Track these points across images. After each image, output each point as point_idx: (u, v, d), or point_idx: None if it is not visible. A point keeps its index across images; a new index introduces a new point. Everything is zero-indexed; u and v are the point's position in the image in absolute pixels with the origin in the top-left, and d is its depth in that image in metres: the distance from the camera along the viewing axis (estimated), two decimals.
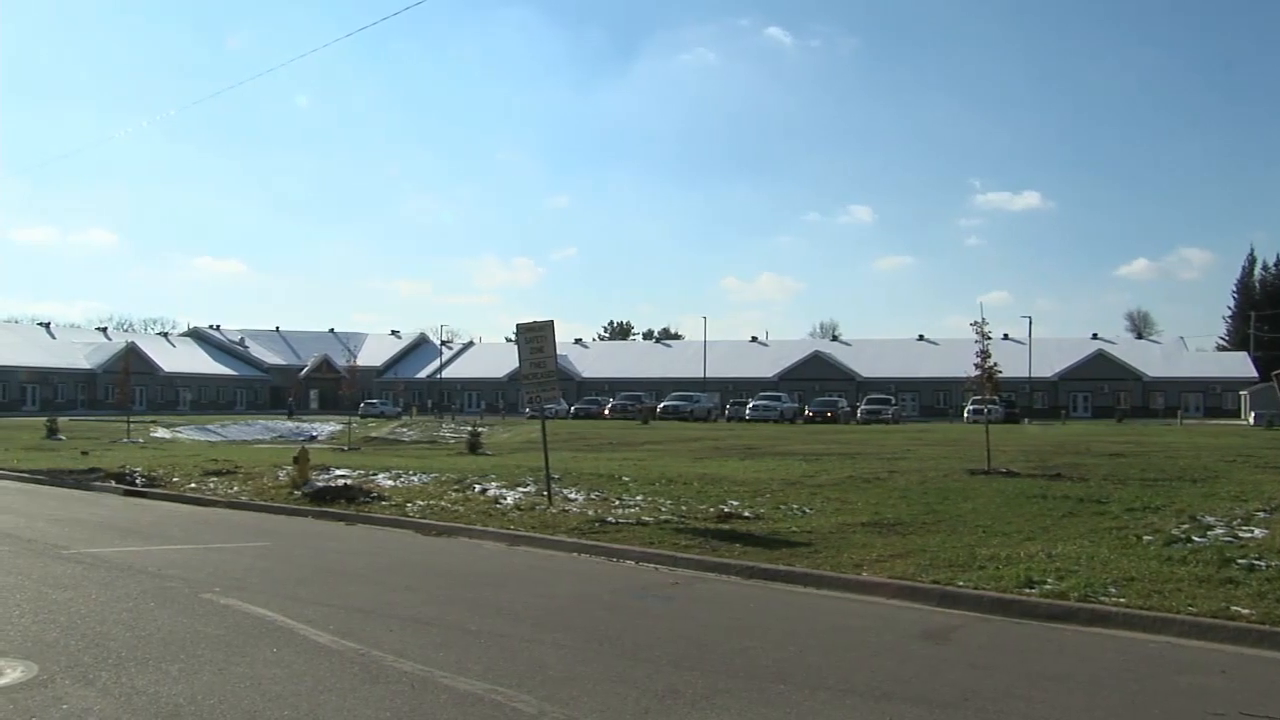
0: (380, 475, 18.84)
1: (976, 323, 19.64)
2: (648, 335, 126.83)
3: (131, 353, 78.50)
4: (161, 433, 43.45)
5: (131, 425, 40.69)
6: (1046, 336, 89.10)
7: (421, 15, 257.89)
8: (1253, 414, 61.17)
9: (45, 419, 42.58)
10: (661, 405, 65.62)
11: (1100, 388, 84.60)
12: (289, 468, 18.49)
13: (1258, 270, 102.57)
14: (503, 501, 14.88)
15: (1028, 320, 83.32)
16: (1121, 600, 7.93)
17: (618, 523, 12.57)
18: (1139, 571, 8.86)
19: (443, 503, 15.00)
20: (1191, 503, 13.68)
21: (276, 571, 9.82)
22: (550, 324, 15.66)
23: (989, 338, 19.82)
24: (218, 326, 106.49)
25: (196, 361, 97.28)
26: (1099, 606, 7.78)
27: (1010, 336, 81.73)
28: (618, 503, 14.54)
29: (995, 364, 19.91)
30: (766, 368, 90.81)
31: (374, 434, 45.89)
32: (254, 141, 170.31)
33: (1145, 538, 10.69)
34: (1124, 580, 8.53)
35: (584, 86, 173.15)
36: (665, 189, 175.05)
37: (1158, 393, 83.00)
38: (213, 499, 16.73)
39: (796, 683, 5.90)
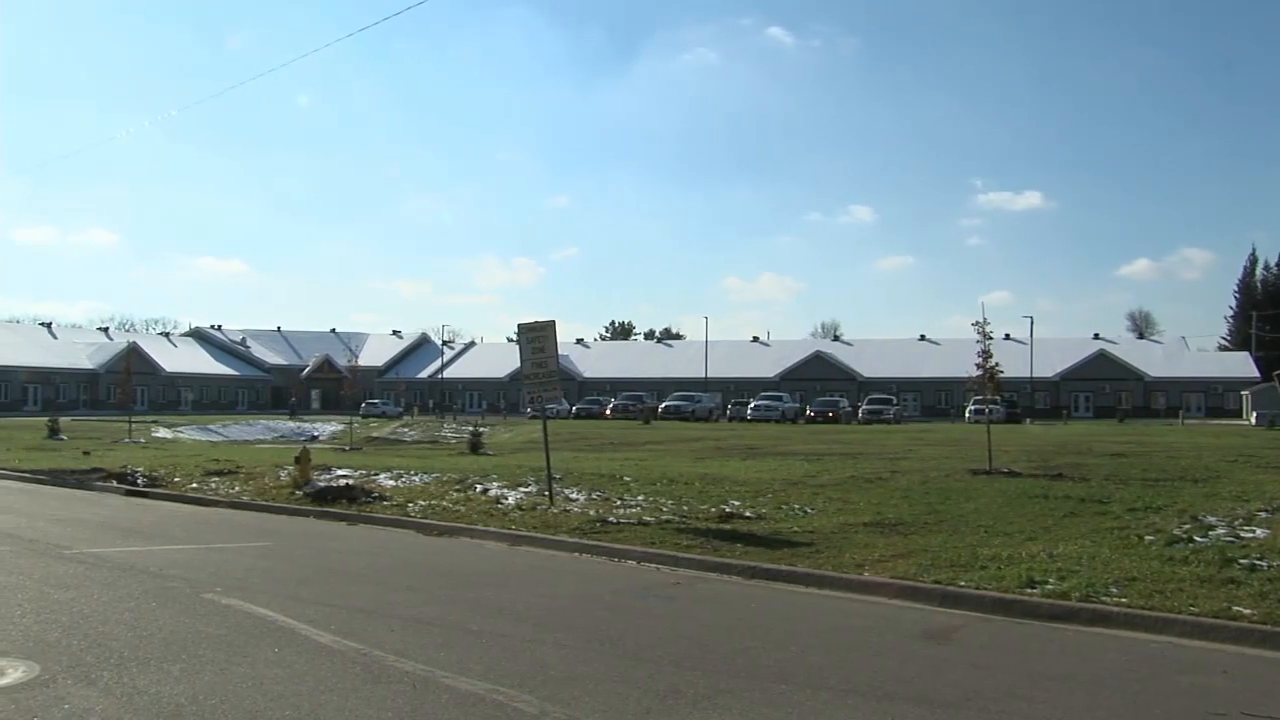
0: (382, 475, 18.84)
1: (978, 323, 19.63)
2: (649, 335, 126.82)
3: (133, 353, 78.56)
4: (163, 433, 43.49)
5: (133, 425, 40.71)
6: (1048, 336, 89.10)
7: (422, 15, 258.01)
8: (1254, 414, 61.14)
9: (47, 419, 42.61)
10: (663, 405, 65.61)
11: (1102, 388, 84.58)
12: (290, 468, 18.50)
13: (1259, 270, 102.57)
14: (504, 501, 14.89)
15: (1029, 320, 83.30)
16: (1123, 600, 7.92)
17: (619, 523, 12.57)
18: (1141, 571, 8.86)
19: (444, 503, 15.01)
20: (1193, 503, 13.67)
21: (278, 571, 9.82)
22: (552, 324, 15.66)
23: (990, 338, 19.80)
24: (219, 326, 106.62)
25: (198, 361, 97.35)
26: (1101, 606, 7.78)
27: (1012, 336, 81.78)
28: (619, 503, 14.54)
29: (997, 364, 19.89)
30: (768, 368, 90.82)
31: (375, 434, 45.91)
32: (255, 141, 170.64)
33: (1147, 538, 10.68)
34: (1126, 580, 8.53)
35: (585, 86, 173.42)
36: (666, 189, 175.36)
37: (1159, 393, 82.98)
38: (214, 499, 16.74)
39: (798, 683, 5.90)
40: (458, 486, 16.86)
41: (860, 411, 63.28)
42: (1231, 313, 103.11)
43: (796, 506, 13.93)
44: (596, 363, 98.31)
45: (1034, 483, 16.65)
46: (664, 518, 12.95)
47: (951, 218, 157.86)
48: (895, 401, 68.88)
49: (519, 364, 16.12)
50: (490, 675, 5.89)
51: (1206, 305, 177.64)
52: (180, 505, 16.56)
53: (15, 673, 5.81)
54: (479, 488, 16.57)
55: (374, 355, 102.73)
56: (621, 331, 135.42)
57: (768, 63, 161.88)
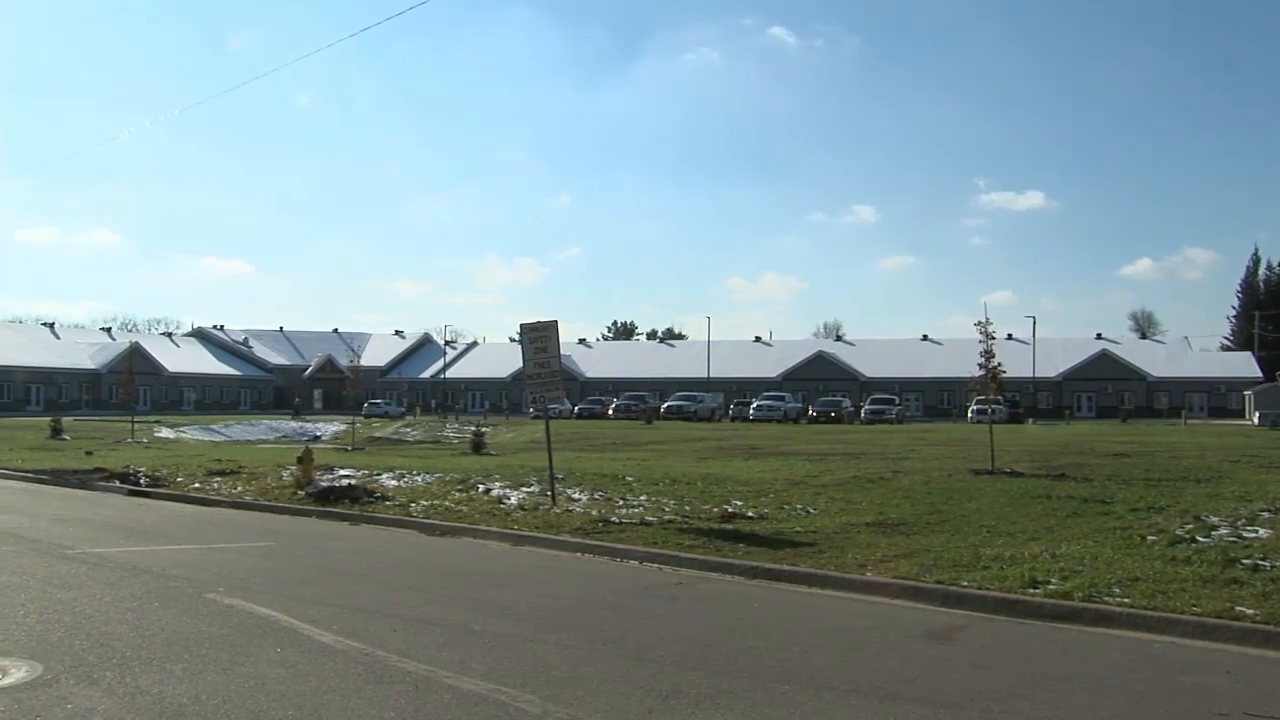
0: (384, 475, 18.85)
1: (980, 323, 19.63)
2: (651, 335, 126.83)
3: (135, 353, 78.62)
4: (165, 433, 43.54)
5: (136, 425, 40.75)
6: (1050, 336, 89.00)
7: (423, 15, 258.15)
8: (1257, 414, 61.13)
9: (49, 419, 42.69)
10: (665, 405, 65.65)
11: (1104, 388, 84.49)
12: (293, 468, 18.52)
13: (1262, 270, 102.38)
14: (506, 501, 14.89)
15: (1032, 320, 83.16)
16: (1126, 600, 7.91)
17: (621, 523, 12.57)
18: (1143, 572, 8.85)
19: (447, 503, 15.01)
20: (1196, 503, 13.65)
21: (280, 571, 9.83)
22: (554, 324, 15.66)
23: (993, 338, 19.79)
24: (221, 327, 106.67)
25: (200, 361, 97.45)
26: (1103, 607, 7.77)
27: (1014, 336, 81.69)
28: (621, 503, 14.54)
29: (999, 364, 19.89)
30: (770, 368, 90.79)
31: (378, 434, 45.94)
32: (256, 141, 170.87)
33: (1149, 538, 10.67)
34: (1128, 580, 8.52)
35: (586, 86, 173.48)
36: (668, 189, 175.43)
37: (1162, 393, 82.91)
38: (217, 499, 16.75)
39: (801, 683, 5.89)
40: (460, 486, 16.86)
41: (863, 411, 63.30)
42: (1234, 313, 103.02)
43: (799, 506, 13.92)
44: (599, 363, 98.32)
45: (1036, 483, 16.63)
46: (666, 518, 12.95)
47: (954, 217, 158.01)
48: (898, 401, 68.89)
49: (521, 364, 16.12)
50: (492, 675, 5.89)
51: (1209, 305, 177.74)
52: (183, 505, 16.57)
53: (18, 672, 5.81)
54: (481, 488, 16.57)
55: (376, 355, 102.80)
56: (624, 331, 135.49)
57: (770, 63, 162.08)
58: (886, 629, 7.51)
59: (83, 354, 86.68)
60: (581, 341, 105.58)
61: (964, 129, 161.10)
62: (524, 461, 22.94)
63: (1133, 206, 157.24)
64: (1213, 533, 10.94)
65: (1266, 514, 12.41)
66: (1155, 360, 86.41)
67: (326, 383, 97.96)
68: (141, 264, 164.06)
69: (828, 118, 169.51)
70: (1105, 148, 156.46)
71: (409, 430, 49.27)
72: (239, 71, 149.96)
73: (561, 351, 16.10)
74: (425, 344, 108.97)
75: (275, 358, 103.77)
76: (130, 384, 42.28)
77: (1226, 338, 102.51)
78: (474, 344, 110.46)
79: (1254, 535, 10.78)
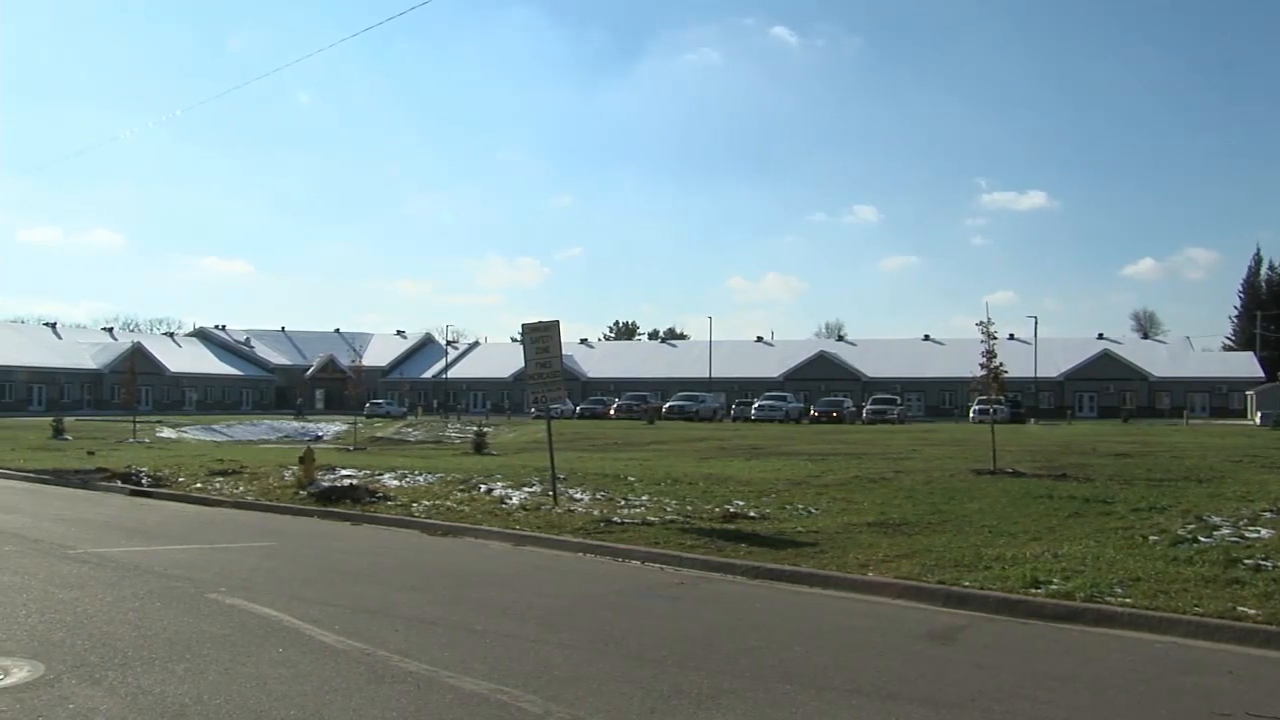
0: (386, 475, 18.85)
1: (982, 323, 19.64)
2: (653, 335, 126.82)
3: (137, 353, 78.77)
4: (167, 433, 43.56)
5: (137, 425, 40.80)
6: (1052, 336, 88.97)
7: (424, 15, 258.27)
8: (1259, 414, 61.07)
9: (51, 419, 42.73)
10: (667, 405, 65.66)
11: (1106, 388, 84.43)
12: (295, 468, 18.54)
13: (1264, 270, 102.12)
14: (508, 501, 14.89)
15: (1033, 320, 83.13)
16: (1127, 600, 7.91)
17: (623, 523, 12.57)
18: (1145, 572, 8.85)
19: (448, 503, 15.02)
20: (1197, 503, 13.64)
21: (282, 571, 9.83)
22: (556, 324, 15.66)
23: (994, 338, 19.79)
24: (223, 327, 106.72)
25: (202, 362, 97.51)
26: (1105, 607, 7.77)
27: (1016, 336, 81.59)
28: (623, 503, 14.54)
29: (1001, 364, 19.89)
30: (772, 368, 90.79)
31: (379, 434, 45.96)
32: (258, 142, 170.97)
33: (1151, 538, 10.67)
34: (1130, 580, 8.52)
35: (587, 86, 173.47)
36: (669, 189, 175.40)
37: (1164, 393, 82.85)
38: (218, 499, 16.76)
39: (802, 683, 5.89)
40: (462, 486, 16.87)
41: (864, 412, 63.31)
42: (1236, 312, 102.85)
43: (800, 506, 13.92)
44: (600, 363, 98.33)
45: (1038, 483, 16.63)
46: (668, 518, 12.95)
47: (956, 217, 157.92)
48: (899, 401, 68.92)
49: (523, 364, 16.12)
50: (494, 675, 5.90)
51: (1211, 305, 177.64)
52: (184, 505, 16.58)
53: (20, 672, 5.82)
54: (483, 488, 16.58)
55: (378, 355, 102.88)
56: (625, 331, 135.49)
57: (771, 63, 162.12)
58: (888, 629, 7.51)
59: (84, 354, 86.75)
60: (583, 342, 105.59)
61: (965, 129, 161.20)
62: (526, 461, 22.94)
63: (1134, 206, 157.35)
64: (1215, 533, 10.93)
65: (1268, 514, 12.39)
66: (1157, 360, 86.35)
67: (328, 383, 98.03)
68: (143, 264, 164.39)
69: (829, 117, 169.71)
70: (1106, 148, 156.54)
71: (411, 430, 49.29)
72: (239, 71, 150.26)
73: (563, 352, 16.10)
74: (427, 344, 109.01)
75: (277, 358, 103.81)
76: (132, 384, 42.33)
77: (1228, 338, 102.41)
78: (475, 344, 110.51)
79: (1256, 535, 10.77)
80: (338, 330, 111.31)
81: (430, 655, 6.36)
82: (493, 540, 12.16)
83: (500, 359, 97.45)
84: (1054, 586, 8.36)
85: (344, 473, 19.44)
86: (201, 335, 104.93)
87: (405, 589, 8.94)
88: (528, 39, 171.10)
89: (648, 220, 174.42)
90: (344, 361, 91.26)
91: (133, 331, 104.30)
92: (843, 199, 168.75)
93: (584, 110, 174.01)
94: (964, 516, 12.74)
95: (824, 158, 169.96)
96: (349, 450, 31.02)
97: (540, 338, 15.55)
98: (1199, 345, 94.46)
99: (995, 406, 26.30)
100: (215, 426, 48.80)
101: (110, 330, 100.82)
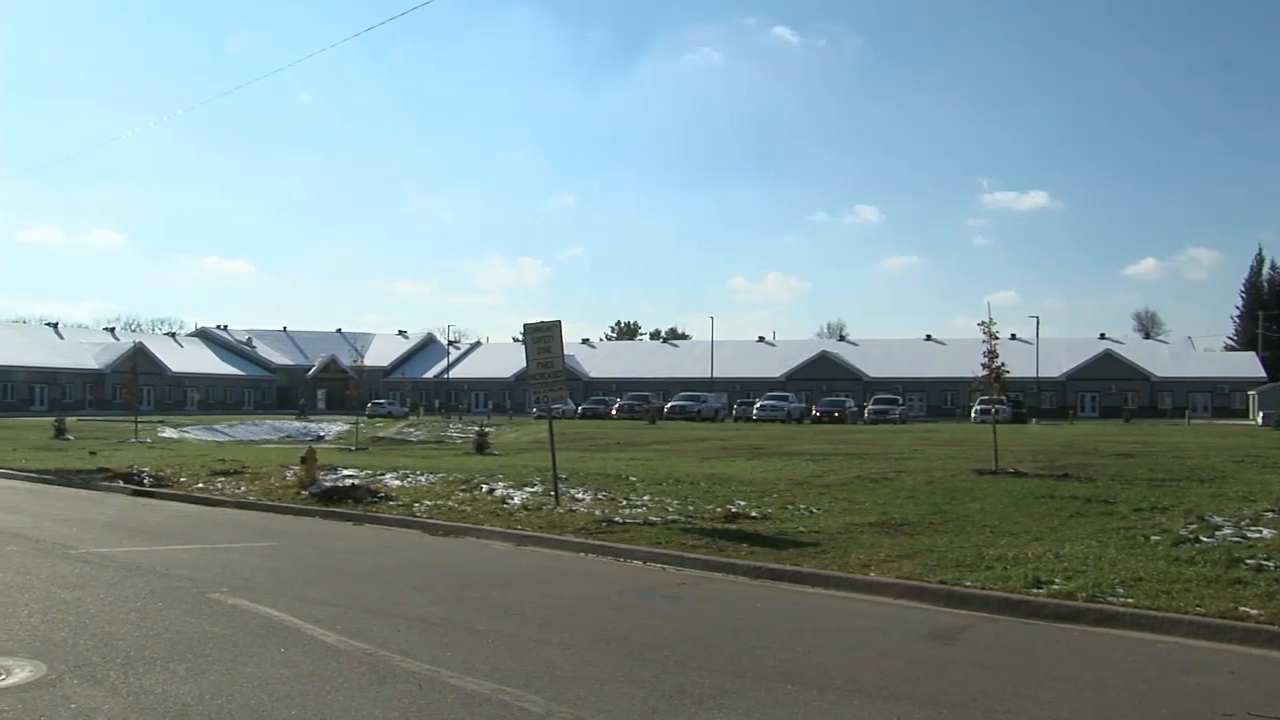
0: (387, 475, 18.86)
1: (984, 323, 19.60)
2: (654, 335, 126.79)
3: (139, 353, 78.81)
4: (169, 433, 43.57)
5: (139, 425, 40.82)
6: (1054, 336, 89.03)
7: (426, 15, 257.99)
8: (1261, 414, 61.02)
9: (53, 419, 42.75)
10: (668, 405, 65.65)
11: (1108, 388, 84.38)
12: (296, 468, 18.54)
13: (1266, 270, 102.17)
14: (510, 501, 14.89)
15: (1035, 320, 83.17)
16: (1129, 600, 7.90)
17: (625, 523, 12.57)
18: (1147, 572, 8.84)
19: (450, 503, 15.02)
20: (1199, 503, 13.63)
21: (284, 571, 9.84)
22: (557, 324, 15.67)
23: (996, 338, 19.78)
24: (225, 327, 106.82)
25: (204, 362, 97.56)
26: (1107, 607, 7.76)
27: (1018, 336, 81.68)
28: (625, 503, 14.53)
29: (1003, 364, 19.88)
30: (773, 368, 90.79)
31: (381, 434, 45.96)
32: (258, 142, 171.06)
33: (1153, 538, 10.66)
34: (1132, 580, 8.51)
35: (589, 86, 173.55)
36: (671, 189, 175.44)
37: (1165, 393, 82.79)
38: (220, 499, 16.76)
39: (804, 683, 5.89)
40: (463, 486, 16.87)
41: (866, 411, 63.33)
42: (1238, 312, 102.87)
43: (802, 506, 13.92)
44: (602, 363, 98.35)
45: (1040, 483, 16.62)
46: (670, 518, 12.95)
47: (957, 217, 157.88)
48: (901, 401, 68.93)
49: (525, 364, 16.12)
50: (496, 675, 5.90)
51: (1213, 305, 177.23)
52: (186, 505, 16.59)
53: (22, 672, 5.83)
54: (485, 488, 16.58)
55: (380, 355, 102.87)
56: (627, 331, 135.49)
57: (772, 62, 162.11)
58: (890, 629, 7.51)
59: (86, 354, 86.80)
60: (585, 341, 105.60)
61: (966, 129, 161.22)
62: (527, 461, 22.94)
63: (1136, 206, 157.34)
64: (1216, 533, 10.92)
65: (1270, 514, 12.38)
66: (1159, 360, 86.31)
67: (330, 383, 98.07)
68: (144, 264, 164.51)
69: (830, 117, 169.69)
70: (1108, 147, 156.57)
71: (412, 430, 49.30)
72: (240, 71, 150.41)
73: (565, 352, 16.10)
74: (428, 344, 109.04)
75: (279, 358, 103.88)
76: (134, 384, 42.44)
77: (1230, 338, 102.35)
78: (477, 344, 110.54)
79: (1258, 535, 10.76)
80: (339, 330, 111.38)
81: (432, 655, 6.36)
82: (495, 540, 12.16)
83: (502, 359, 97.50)
84: (1056, 586, 8.36)
85: (346, 473, 19.45)
86: (203, 335, 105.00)
87: (407, 589, 8.95)
88: (529, 39, 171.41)
89: (649, 220, 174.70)
90: (346, 361, 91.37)
91: (134, 331, 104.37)
92: (844, 199, 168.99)
93: (585, 110, 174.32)
94: (966, 516, 12.74)
95: (825, 157, 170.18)
96: (351, 450, 31.03)
97: (542, 338, 15.55)
98: (1201, 345, 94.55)
99: (997, 406, 26.30)
100: (217, 426, 48.81)
101: (112, 330, 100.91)
